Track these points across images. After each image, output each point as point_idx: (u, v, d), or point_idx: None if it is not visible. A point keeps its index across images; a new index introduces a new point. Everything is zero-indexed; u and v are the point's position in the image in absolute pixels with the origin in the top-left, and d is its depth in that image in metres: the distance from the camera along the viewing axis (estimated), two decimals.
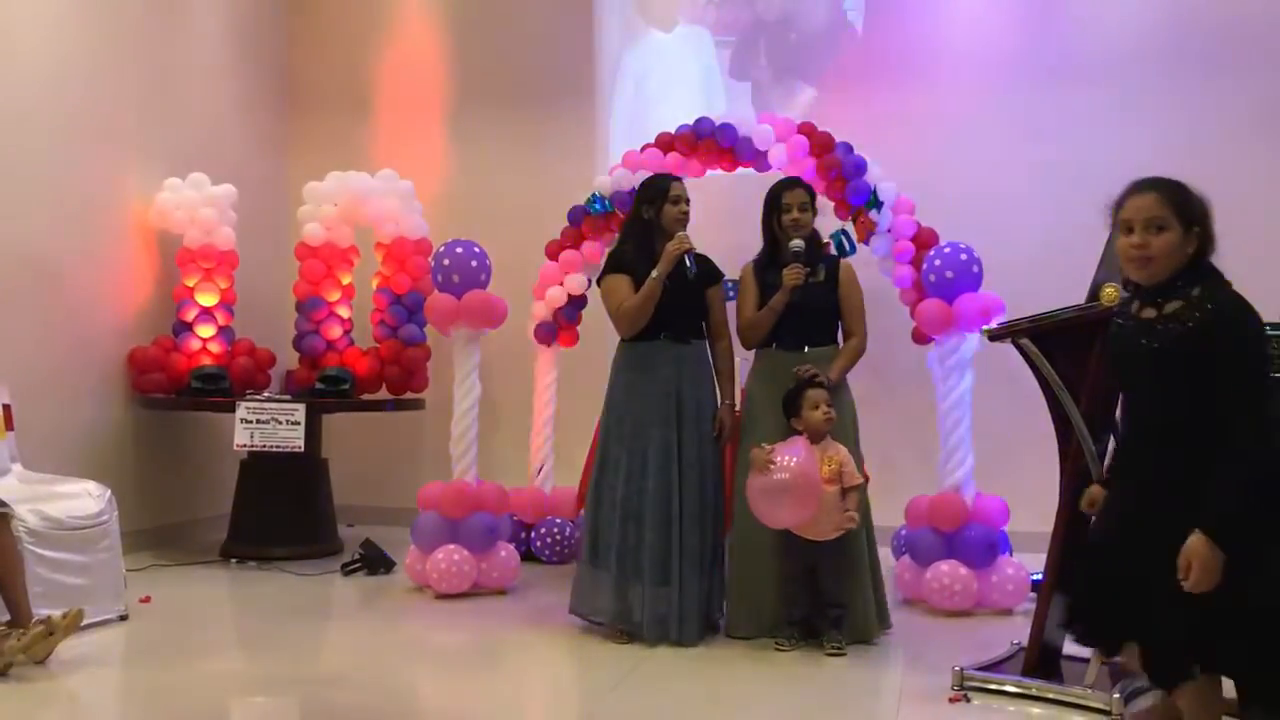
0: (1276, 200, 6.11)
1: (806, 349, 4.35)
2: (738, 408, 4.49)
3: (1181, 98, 6.28)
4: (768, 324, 4.34)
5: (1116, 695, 3.34)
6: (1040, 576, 4.47)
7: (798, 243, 4.31)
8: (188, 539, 6.24)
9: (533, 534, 5.94)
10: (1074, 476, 3.54)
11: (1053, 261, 5.95)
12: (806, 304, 4.32)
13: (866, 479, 4.19)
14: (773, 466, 3.99)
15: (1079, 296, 3.60)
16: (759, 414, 4.35)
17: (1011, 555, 4.96)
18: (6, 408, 4.72)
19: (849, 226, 5.61)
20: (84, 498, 4.49)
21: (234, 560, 5.81)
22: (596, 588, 4.33)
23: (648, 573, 4.20)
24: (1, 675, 3.60)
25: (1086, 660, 3.55)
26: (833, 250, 5.22)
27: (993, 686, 3.54)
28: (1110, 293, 3.37)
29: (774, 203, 4.42)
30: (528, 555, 5.80)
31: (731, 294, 5.70)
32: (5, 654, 3.60)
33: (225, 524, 6.09)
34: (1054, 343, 3.51)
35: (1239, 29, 6.22)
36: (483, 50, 7.18)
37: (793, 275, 4.27)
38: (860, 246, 5.53)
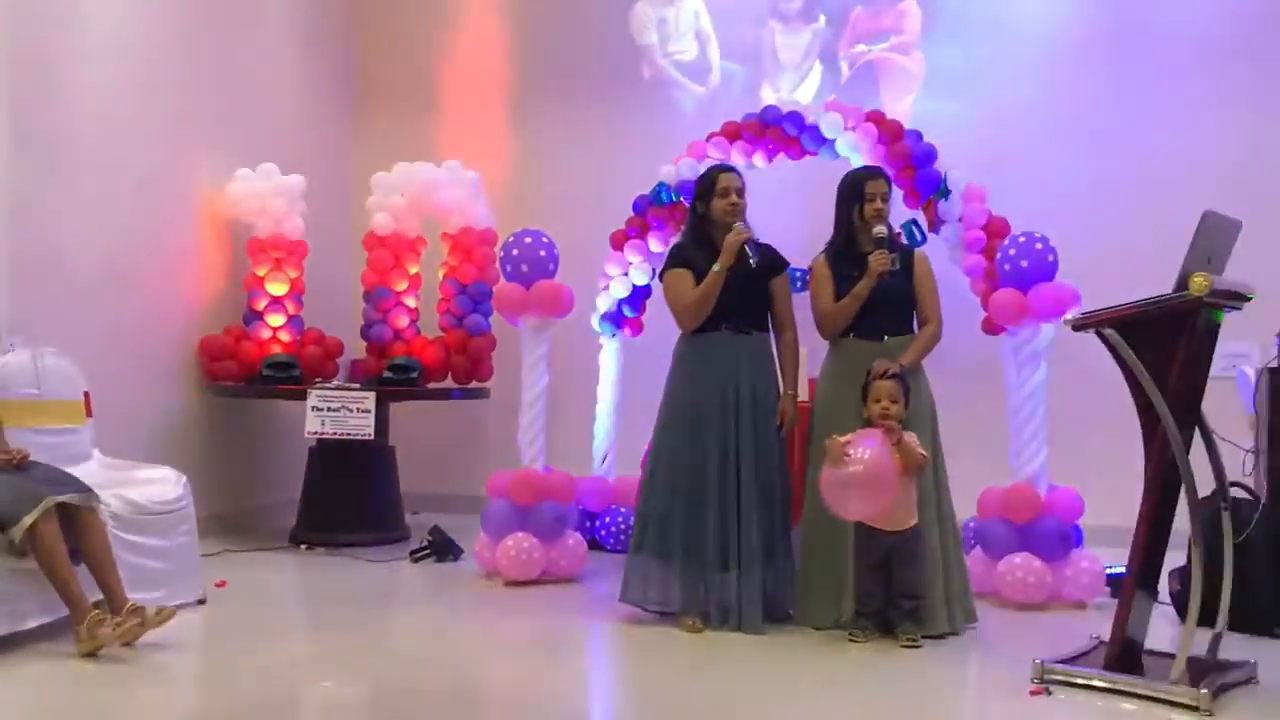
0: None
1: (886, 338, 4.32)
2: (803, 398, 4.48)
3: (1261, 80, 6.19)
4: (852, 312, 4.31)
5: (1204, 691, 3.29)
6: (1119, 570, 4.44)
7: (881, 229, 4.28)
8: (257, 525, 6.33)
9: (597, 522, 5.96)
10: (1159, 469, 3.49)
11: (1128, 252, 5.90)
12: (884, 293, 4.29)
13: (925, 458, 4.13)
14: (847, 458, 3.97)
15: (1150, 287, 3.53)
16: (834, 405, 4.32)
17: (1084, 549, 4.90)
18: (86, 394, 4.80)
19: (919, 216, 5.57)
20: (163, 483, 4.56)
21: (303, 546, 5.88)
22: (653, 577, 4.35)
23: (711, 560, 4.22)
24: (92, 656, 3.67)
25: (1170, 655, 3.50)
26: (904, 240, 5.19)
27: (1079, 680, 3.50)
28: (1200, 282, 3.32)
29: (856, 191, 4.38)
30: (592, 544, 5.82)
31: (799, 285, 5.69)
32: (100, 639, 3.67)
33: (294, 510, 6.16)
34: (1140, 332, 3.45)
35: None
36: (548, 39, 7.20)
37: (880, 261, 4.23)
38: (929, 235, 5.50)
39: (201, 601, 4.53)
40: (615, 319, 6.08)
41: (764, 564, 4.27)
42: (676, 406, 4.39)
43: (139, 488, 4.45)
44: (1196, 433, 3.68)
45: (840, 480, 3.99)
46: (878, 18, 6.81)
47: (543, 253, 5.26)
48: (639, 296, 6.06)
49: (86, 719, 3.24)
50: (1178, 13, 6.36)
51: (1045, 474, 4.87)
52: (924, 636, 4.11)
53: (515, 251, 5.25)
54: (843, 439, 4.03)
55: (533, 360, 5.27)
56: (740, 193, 4.40)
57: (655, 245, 5.86)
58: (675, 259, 4.46)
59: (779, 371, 4.46)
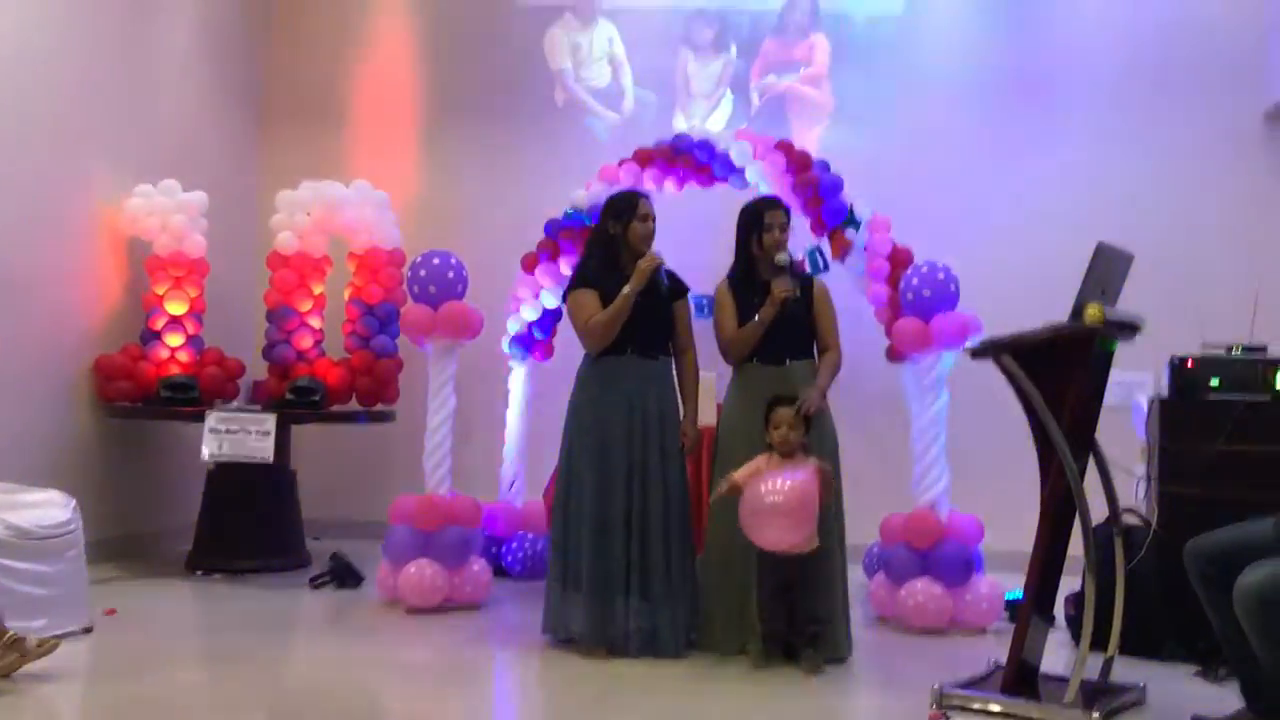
0: (1256, 219, 6.25)
1: (788, 362, 4.36)
2: (704, 422, 4.49)
3: (1159, 118, 6.42)
4: (755, 337, 4.33)
5: (1096, 714, 3.35)
6: (1016, 595, 4.52)
7: (783, 256, 4.33)
8: (152, 550, 6.13)
9: (504, 548, 5.89)
10: (1055, 496, 3.56)
11: (1028, 282, 6.03)
12: (786, 321, 4.33)
13: (825, 471, 4.15)
14: (764, 490, 3.97)
15: (1049, 317, 3.61)
16: (738, 429, 4.34)
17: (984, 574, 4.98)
18: None
19: (824, 243, 5.63)
20: (50, 506, 4.39)
21: (199, 572, 5.72)
22: (570, 607, 4.30)
23: (622, 588, 4.19)
24: None
25: (1064, 679, 3.57)
26: (807, 267, 5.24)
27: (976, 706, 3.54)
28: (1094, 312, 3.40)
29: (755, 220, 4.43)
30: (498, 570, 5.75)
31: (705, 311, 5.71)
32: None
33: (190, 535, 5.98)
34: (1036, 360, 3.53)
35: (1218, 51, 6.38)
36: (461, 60, 7.16)
37: (782, 288, 4.28)
38: (833, 264, 5.56)
39: (88, 630, 4.36)
40: (525, 342, 6.04)
41: (675, 591, 4.25)
42: (583, 431, 4.36)
43: (23, 511, 4.28)
44: (1091, 460, 3.77)
45: (758, 510, 3.98)
46: (789, 49, 6.90)
47: (451, 274, 5.20)
48: (549, 320, 6.03)
49: None
50: (1075, 52, 6.59)
51: (946, 500, 4.94)
52: (825, 660, 4.13)
53: (423, 272, 5.19)
54: (754, 470, 4.04)
55: (439, 383, 5.21)
56: (654, 219, 4.44)
57: (566, 269, 5.83)
58: (582, 279, 4.44)
59: (679, 395, 4.47)
